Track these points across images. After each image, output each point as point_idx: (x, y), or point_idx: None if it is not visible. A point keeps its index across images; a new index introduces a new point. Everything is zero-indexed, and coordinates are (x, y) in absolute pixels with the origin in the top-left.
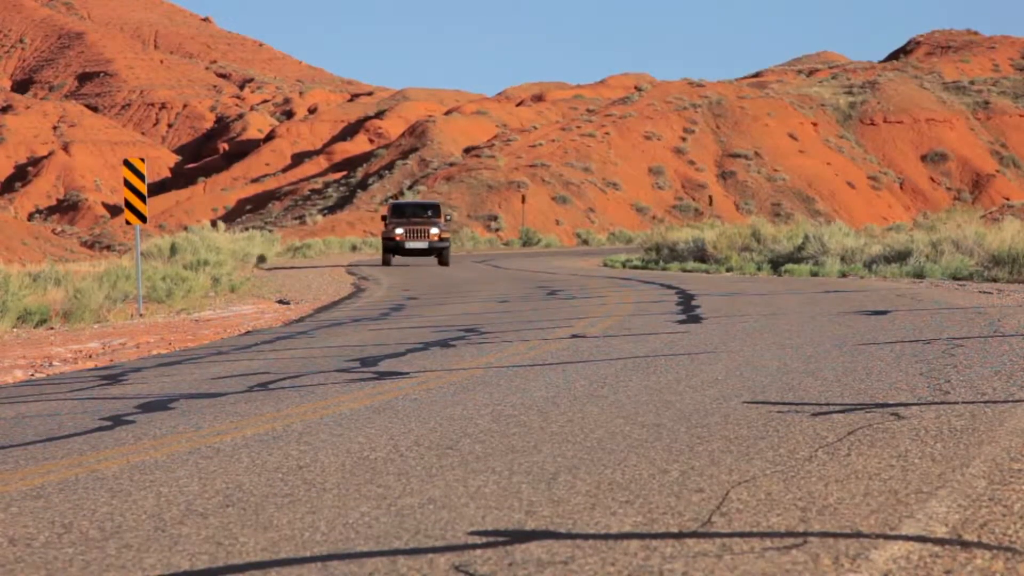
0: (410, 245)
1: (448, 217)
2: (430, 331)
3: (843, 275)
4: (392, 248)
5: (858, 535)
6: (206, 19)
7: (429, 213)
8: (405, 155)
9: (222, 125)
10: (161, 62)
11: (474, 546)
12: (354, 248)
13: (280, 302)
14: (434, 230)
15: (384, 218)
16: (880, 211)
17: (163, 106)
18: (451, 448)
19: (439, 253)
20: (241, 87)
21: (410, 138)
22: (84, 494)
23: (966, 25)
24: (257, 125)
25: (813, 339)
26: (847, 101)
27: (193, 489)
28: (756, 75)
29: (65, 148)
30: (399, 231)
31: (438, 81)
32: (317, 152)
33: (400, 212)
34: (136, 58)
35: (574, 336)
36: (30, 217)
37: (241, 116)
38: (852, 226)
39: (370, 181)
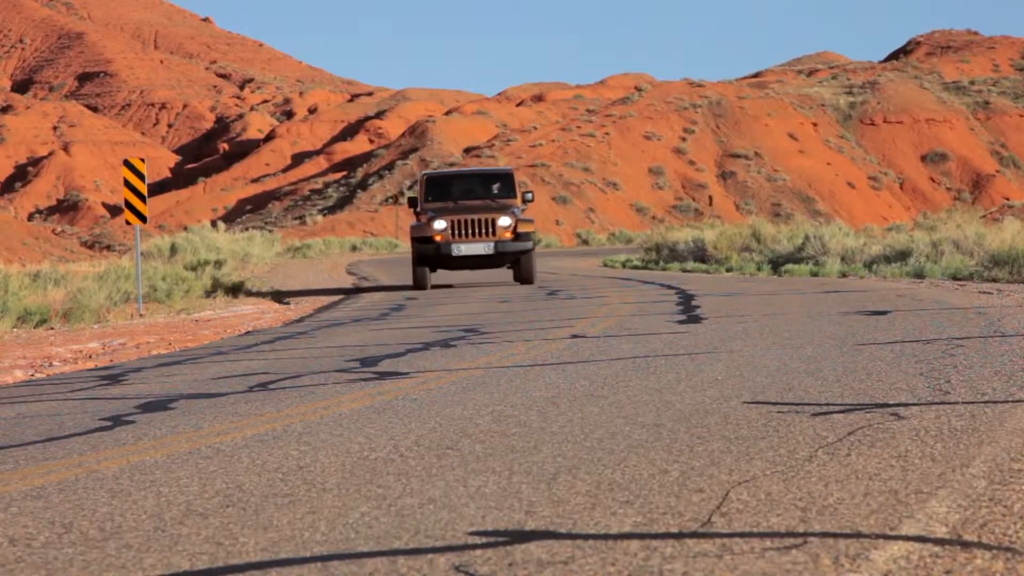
0: (461, 249)
1: (528, 196)
2: (430, 331)
3: (843, 275)
4: (429, 257)
5: (858, 535)
6: (206, 19)
7: (496, 189)
8: (405, 155)
9: (222, 125)
10: (161, 62)
11: (474, 546)
12: (354, 248)
13: (280, 302)
14: (504, 220)
15: (412, 202)
16: (880, 211)
17: (163, 106)
18: (451, 448)
19: (515, 261)
20: (241, 87)
21: (410, 138)
22: (84, 494)
23: (966, 25)
24: (257, 125)
25: (813, 339)
26: (847, 101)
27: (193, 489)
28: (756, 75)
29: (65, 148)
30: (439, 225)
31: (438, 81)
32: (317, 152)
33: (442, 190)
34: (136, 58)
35: (574, 336)
36: (30, 217)
37: (241, 116)
38: (852, 226)
39: (370, 181)
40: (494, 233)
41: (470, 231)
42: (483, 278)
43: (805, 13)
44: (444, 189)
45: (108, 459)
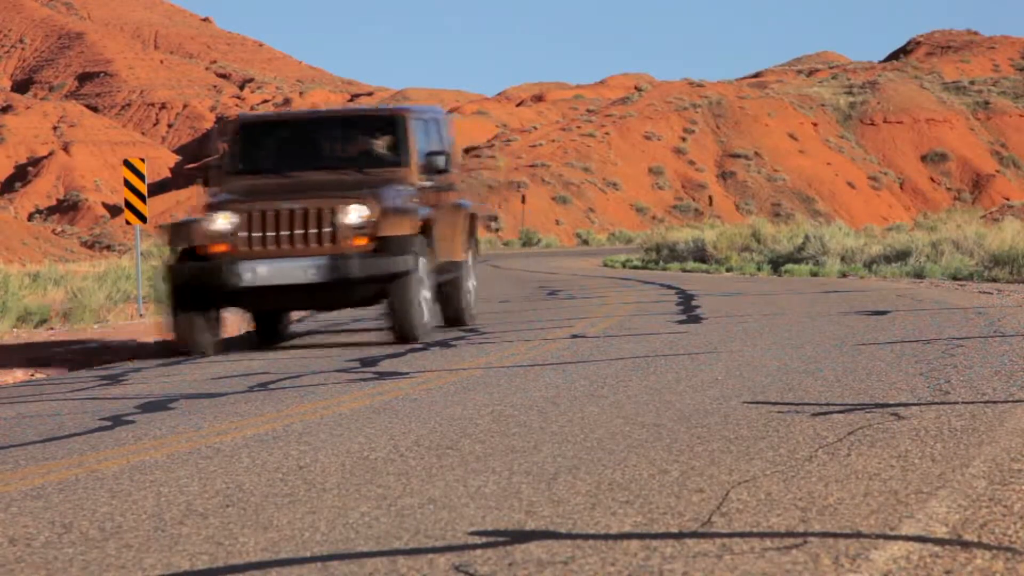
0: (259, 273)
1: (439, 163)
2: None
3: (843, 275)
4: (197, 287)
5: (858, 535)
6: (206, 19)
7: (380, 148)
8: None
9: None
10: (161, 62)
11: (474, 546)
12: None
13: None
14: (353, 213)
15: (206, 176)
16: (880, 211)
17: (163, 106)
18: (451, 448)
19: (379, 295)
20: (241, 87)
21: None
22: (84, 494)
23: (966, 25)
24: None
25: (813, 339)
26: (847, 101)
27: (193, 489)
28: (756, 75)
29: (65, 148)
30: (219, 224)
31: (438, 81)
32: None
33: (267, 151)
34: (136, 58)
35: (574, 336)
36: (30, 217)
37: None
38: (852, 226)
39: None
40: (333, 238)
41: (283, 234)
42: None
43: (805, 13)
44: (271, 149)
45: (108, 459)
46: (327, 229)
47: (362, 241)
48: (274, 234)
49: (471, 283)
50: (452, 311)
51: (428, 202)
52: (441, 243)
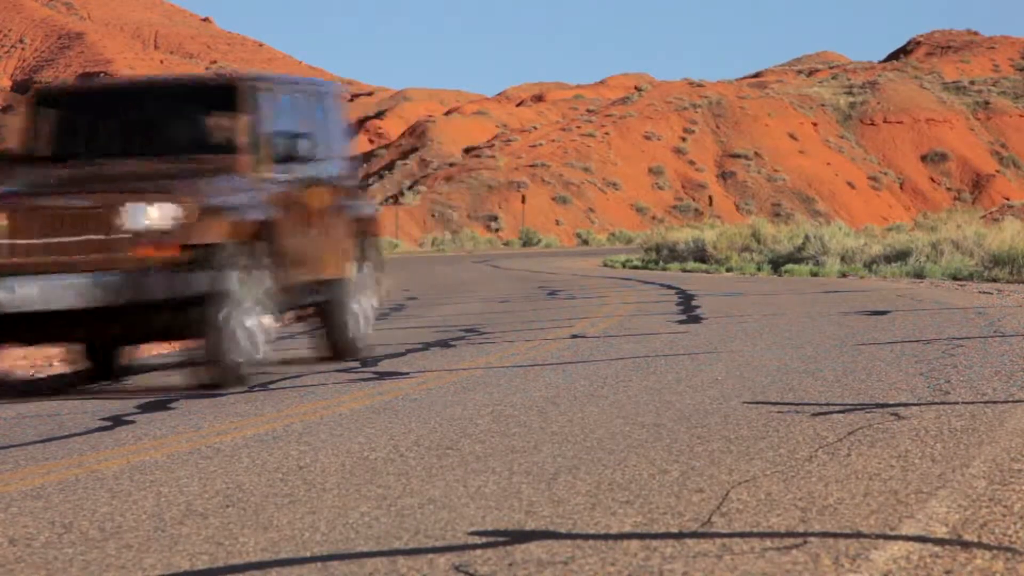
0: (3, 298)
1: (299, 147)
2: (430, 331)
3: (843, 275)
4: None
5: (858, 535)
6: (206, 19)
7: (206, 123)
8: (405, 155)
9: None
10: (161, 62)
11: (474, 546)
12: None
13: None
14: (141, 215)
15: None
16: (880, 211)
17: None
18: (451, 448)
19: (182, 325)
20: None
21: (410, 138)
22: (84, 494)
23: (966, 25)
24: None
25: (813, 339)
26: (847, 101)
27: (193, 489)
28: (756, 75)
29: None
30: None
31: (438, 81)
32: None
33: (71, 131)
34: (136, 58)
35: (574, 336)
36: None
37: None
38: (852, 226)
39: (370, 181)
40: (117, 247)
41: (50, 243)
42: None
43: (805, 13)
44: (74, 130)
45: (108, 459)
46: (109, 236)
47: (159, 251)
48: (38, 242)
49: (362, 304)
50: (331, 340)
51: (279, 200)
52: (303, 255)
